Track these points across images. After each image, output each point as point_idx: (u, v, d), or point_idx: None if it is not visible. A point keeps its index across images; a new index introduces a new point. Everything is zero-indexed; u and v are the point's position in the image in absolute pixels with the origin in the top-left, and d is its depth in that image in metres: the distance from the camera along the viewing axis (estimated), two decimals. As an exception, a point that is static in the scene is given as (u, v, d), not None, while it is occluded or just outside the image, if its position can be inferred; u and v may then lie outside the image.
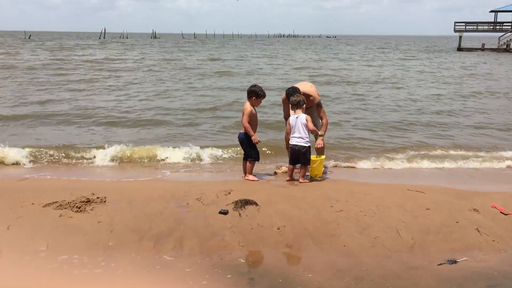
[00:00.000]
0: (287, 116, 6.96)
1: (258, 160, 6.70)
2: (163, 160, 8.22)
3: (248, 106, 6.51)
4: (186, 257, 4.33)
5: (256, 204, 5.34)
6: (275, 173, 7.14)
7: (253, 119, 6.54)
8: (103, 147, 8.53)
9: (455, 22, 62.70)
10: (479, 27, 63.05)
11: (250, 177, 6.62)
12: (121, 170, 7.80)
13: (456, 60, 40.97)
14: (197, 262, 4.25)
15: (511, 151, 9.24)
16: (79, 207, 5.21)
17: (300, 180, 6.49)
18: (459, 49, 61.95)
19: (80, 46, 58.33)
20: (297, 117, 6.48)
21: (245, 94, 6.77)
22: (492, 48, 59.64)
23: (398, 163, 8.22)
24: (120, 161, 8.17)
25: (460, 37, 63.74)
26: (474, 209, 5.34)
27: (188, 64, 31.86)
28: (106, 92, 17.53)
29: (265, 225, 4.91)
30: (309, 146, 6.50)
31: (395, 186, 6.30)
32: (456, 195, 5.87)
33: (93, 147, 8.72)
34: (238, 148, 7.72)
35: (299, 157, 6.48)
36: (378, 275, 4.05)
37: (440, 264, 4.24)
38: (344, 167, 7.85)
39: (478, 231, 4.83)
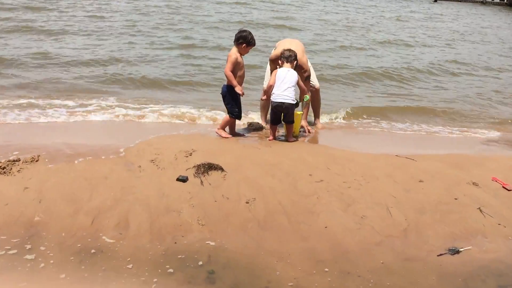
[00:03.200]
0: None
1: (239, 119, 5.79)
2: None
3: (233, 53, 5.50)
4: (131, 239, 3.47)
5: (222, 169, 4.47)
6: (250, 124, 6.30)
7: (239, 69, 5.55)
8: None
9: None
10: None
11: (223, 133, 5.70)
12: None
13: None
14: (145, 246, 3.40)
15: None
16: (3, 168, 4.22)
17: (290, 140, 5.70)
18: (436, 0, 60.77)
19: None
20: (288, 71, 5.54)
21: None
22: (470, 1, 58.72)
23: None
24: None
25: (438, -13, 62.36)
26: (473, 183, 4.63)
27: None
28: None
29: (232, 198, 4.07)
30: (294, 104, 5.62)
31: (382, 152, 5.52)
32: (451, 163, 5.13)
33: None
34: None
35: (282, 115, 5.60)
36: (367, 269, 3.31)
37: (441, 254, 3.54)
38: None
39: (481, 211, 4.13)
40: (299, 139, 5.92)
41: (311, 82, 6.24)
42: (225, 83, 5.62)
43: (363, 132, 6.89)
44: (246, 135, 5.96)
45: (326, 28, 18.40)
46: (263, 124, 6.39)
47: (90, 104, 7.14)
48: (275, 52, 5.94)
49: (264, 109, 6.45)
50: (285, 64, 5.58)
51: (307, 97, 5.97)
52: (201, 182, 4.26)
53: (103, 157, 4.59)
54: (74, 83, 8.40)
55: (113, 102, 7.31)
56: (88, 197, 3.91)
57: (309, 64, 6.19)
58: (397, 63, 12.43)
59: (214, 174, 4.39)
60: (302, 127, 6.16)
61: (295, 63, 5.63)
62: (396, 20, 24.94)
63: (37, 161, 4.43)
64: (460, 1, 57.60)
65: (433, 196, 4.31)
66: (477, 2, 57.48)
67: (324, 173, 4.60)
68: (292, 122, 5.65)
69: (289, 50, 5.65)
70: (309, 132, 6.25)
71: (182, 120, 6.72)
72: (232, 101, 5.62)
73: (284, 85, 5.47)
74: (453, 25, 25.57)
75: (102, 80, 8.72)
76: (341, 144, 5.84)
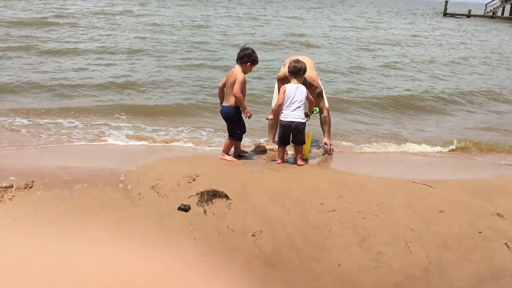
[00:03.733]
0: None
1: (240, 141, 5.52)
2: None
3: (240, 73, 5.23)
4: (126, 279, 3.18)
5: (227, 197, 4.18)
6: (257, 146, 6.00)
7: (244, 90, 5.32)
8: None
9: (441, -13, 61.11)
10: (466, -8, 61.58)
11: (227, 157, 5.43)
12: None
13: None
14: None
15: None
16: (-6, 196, 3.97)
17: (300, 163, 5.38)
18: (445, 14, 60.56)
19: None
20: (297, 87, 5.27)
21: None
22: (479, 15, 58.55)
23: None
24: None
25: (446, 2, 62.12)
26: (498, 214, 4.29)
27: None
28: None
29: (237, 229, 3.77)
30: (305, 123, 5.34)
31: (397, 178, 5.20)
32: (472, 191, 4.79)
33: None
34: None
35: (292, 135, 5.32)
36: (387, 316, 2.99)
37: (467, 298, 3.20)
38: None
39: (508, 247, 3.80)
40: (308, 161, 5.63)
41: None
42: (225, 104, 5.35)
43: (373, 155, 6.57)
44: (254, 157, 5.67)
45: (352, 47, 18.31)
46: (271, 145, 6.08)
47: (97, 126, 6.91)
48: (284, 70, 5.67)
49: (272, 129, 6.17)
50: (293, 80, 5.31)
51: (317, 109, 5.69)
52: (205, 211, 3.97)
53: (101, 184, 4.32)
54: (80, 104, 8.19)
55: (118, 124, 7.06)
56: (82, 229, 3.62)
57: (319, 82, 5.92)
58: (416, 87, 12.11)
59: (218, 202, 4.10)
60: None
61: (303, 76, 5.36)
62: (413, 36, 24.97)
63: (31, 187, 4.17)
64: (468, 17, 57.44)
65: (456, 229, 3.98)
66: (485, 16, 57.31)
67: (337, 202, 4.28)
68: (302, 143, 5.36)
69: (297, 61, 5.34)
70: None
71: (190, 145, 6.38)
72: (234, 123, 5.35)
73: (294, 105, 5.21)
74: (471, 41, 25.41)
75: (112, 102, 8.48)
76: (353, 168, 5.53)
